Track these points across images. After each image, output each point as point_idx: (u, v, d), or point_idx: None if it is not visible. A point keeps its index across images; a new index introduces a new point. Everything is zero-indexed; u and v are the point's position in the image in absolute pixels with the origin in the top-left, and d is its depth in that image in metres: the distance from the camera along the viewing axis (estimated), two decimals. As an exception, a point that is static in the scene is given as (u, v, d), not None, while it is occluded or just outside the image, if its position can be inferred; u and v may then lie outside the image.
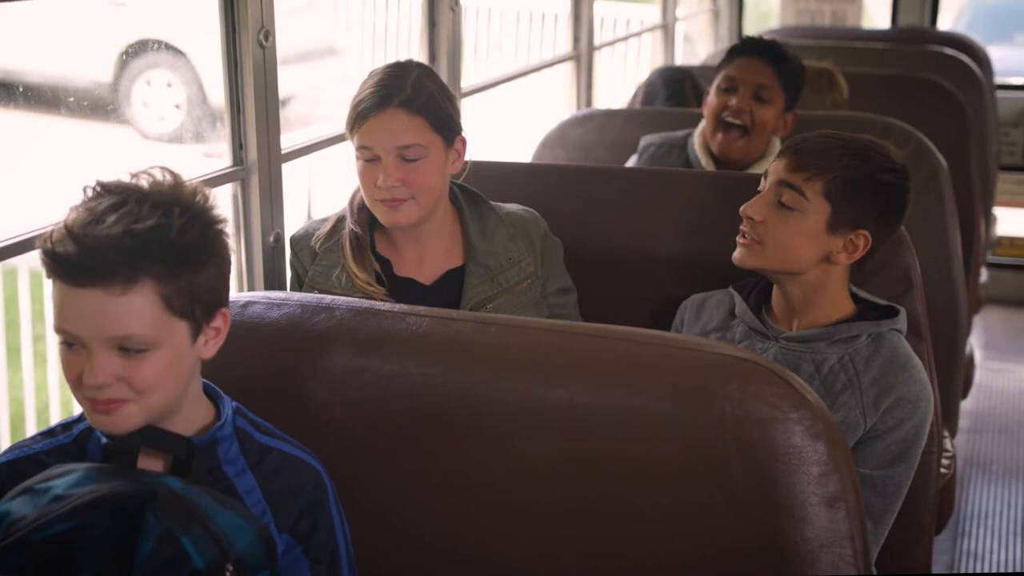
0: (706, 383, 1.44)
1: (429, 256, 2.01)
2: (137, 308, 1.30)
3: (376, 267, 1.98)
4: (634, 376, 1.48)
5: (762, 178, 1.92)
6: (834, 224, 1.84)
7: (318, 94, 7.20)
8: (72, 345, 1.32)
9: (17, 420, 3.59)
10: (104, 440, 1.41)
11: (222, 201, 2.02)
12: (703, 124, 2.65)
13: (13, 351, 3.62)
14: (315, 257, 1.98)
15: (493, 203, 2.07)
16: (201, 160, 2.04)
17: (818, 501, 1.39)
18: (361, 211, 2.00)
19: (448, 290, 1.99)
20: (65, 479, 1.29)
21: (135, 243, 1.28)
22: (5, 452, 1.45)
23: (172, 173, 1.36)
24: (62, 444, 1.44)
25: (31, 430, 3.57)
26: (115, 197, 1.32)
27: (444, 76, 2.67)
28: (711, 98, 2.63)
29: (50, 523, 1.23)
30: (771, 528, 1.39)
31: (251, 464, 1.43)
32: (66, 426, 1.46)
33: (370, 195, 1.94)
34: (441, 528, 1.54)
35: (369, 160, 1.92)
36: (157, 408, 1.36)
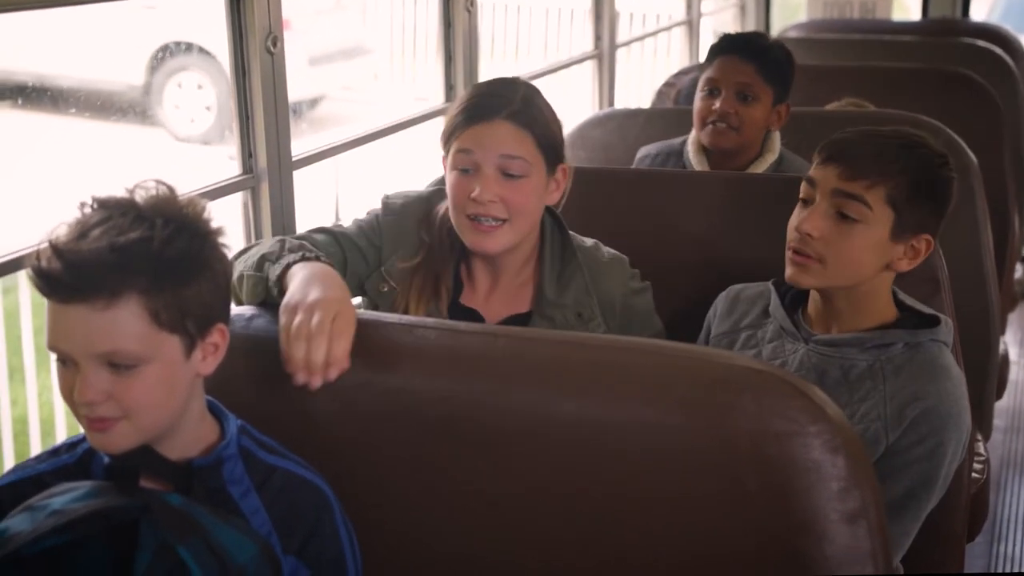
0: (720, 396, 1.39)
1: (501, 293, 1.89)
2: (123, 323, 1.27)
3: (445, 292, 1.87)
4: (645, 389, 1.44)
5: (804, 185, 1.80)
6: (898, 231, 1.74)
7: (349, 94, 7.22)
8: (66, 362, 1.31)
9: (21, 436, 3.60)
10: (107, 460, 1.39)
11: (233, 210, 2.01)
12: (694, 130, 2.61)
13: (15, 366, 3.63)
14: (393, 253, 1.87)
15: (584, 242, 1.94)
16: (227, 162, 2.02)
17: (838, 518, 1.34)
18: (445, 233, 1.87)
19: None
20: (64, 496, 1.27)
21: (117, 257, 1.26)
22: (8, 473, 1.43)
23: (167, 185, 1.34)
24: (66, 464, 1.43)
25: (36, 446, 3.59)
26: (103, 212, 1.29)
27: (460, 77, 2.65)
28: (697, 101, 2.59)
29: (42, 537, 1.21)
30: (789, 546, 1.35)
31: (256, 484, 1.40)
32: (71, 446, 1.45)
33: (461, 210, 1.81)
34: (449, 543, 1.50)
35: (465, 170, 1.80)
36: (151, 427, 1.33)
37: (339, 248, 1.83)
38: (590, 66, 3.64)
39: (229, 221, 2.01)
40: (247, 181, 1.99)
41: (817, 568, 1.34)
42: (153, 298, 1.28)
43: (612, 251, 1.96)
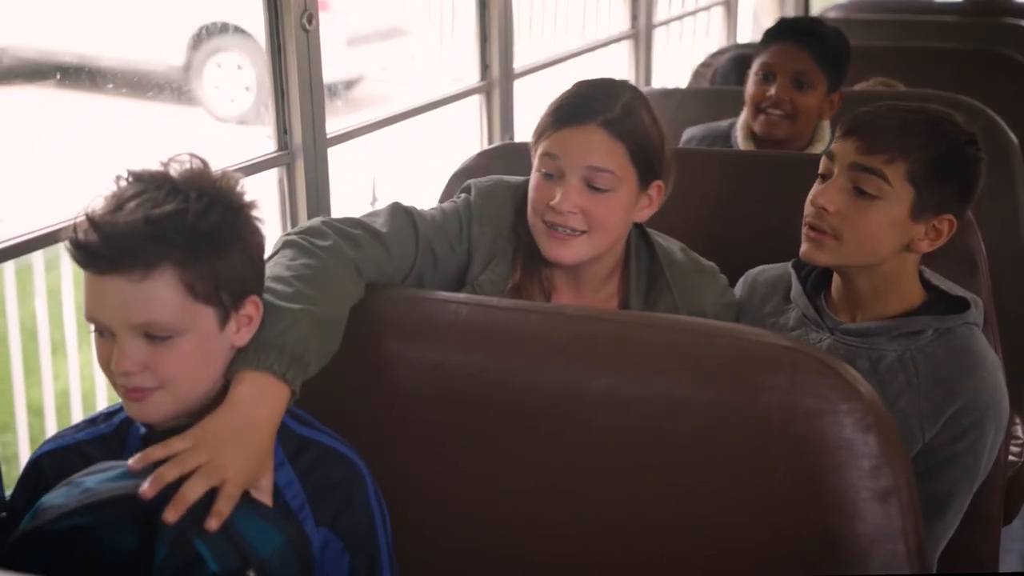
0: (752, 373, 1.39)
1: (584, 302, 1.77)
2: (158, 295, 1.29)
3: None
4: (677, 365, 1.44)
5: (823, 160, 1.73)
6: (918, 209, 1.66)
7: (386, 75, 7.22)
8: (103, 333, 1.33)
9: (63, 409, 3.65)
10: (143, 430, 1.40)
11: (268, 187, 2.02)
12: (744, 114, 2.57)
13: (58, 342, 3.68)
14: (493, 239, 1.74)
15: (674, 254, 1.81)
16: (266, 141, 2.03)
17: (869, 496, 1.33)
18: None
19: None
20: (99, 475, 1.28)
21: (153, 229, 1.28)
22: (48, 441, 1.46)
23: (201, 159, 1.35)
24: (104, 434, 1.45)
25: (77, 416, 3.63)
26: (139, 185, 1.31)
27: (495, 57, 2.64)
28: (749, 86, 2.55)
29: (70, 514, 1.23)
30: (819, 524, 1.34)
31: (290, 456, 1.42)
32: (108, 415, 1.47)
33: (538, 215, 1.69)
34: (479, 516, 1.51)
35: (549, 174, 1.69)
36: (186, 397, 1.35)
37: (387, 254, 1.63)
38: (627, 46, 3.62)
39: (265, 198, 2.02)
40: (282, 157, 2.00)
41: (848, 546, 1.34)
42: (188, 270, 1.30)
43: (705, 263, 1.84)
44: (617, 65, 3.61)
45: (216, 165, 1.38)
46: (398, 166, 5.13)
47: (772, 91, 2.49)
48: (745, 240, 2.09)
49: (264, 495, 1.32)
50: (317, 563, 1.40)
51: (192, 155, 1.35)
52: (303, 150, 2.00)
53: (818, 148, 2.55)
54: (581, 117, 1.68)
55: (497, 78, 2.69)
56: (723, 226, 2.13)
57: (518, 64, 2.81)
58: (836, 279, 1.77)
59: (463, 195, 1.78)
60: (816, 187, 1.73)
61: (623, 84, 1.77)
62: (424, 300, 1.60)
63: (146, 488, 1.21)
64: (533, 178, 1.72)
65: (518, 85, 2.78)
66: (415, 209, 1.72)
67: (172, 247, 1.29)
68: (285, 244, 1.54)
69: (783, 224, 1.84)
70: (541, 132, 1.72)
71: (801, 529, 1.36)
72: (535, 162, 1.72)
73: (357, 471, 1.45)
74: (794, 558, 1.36)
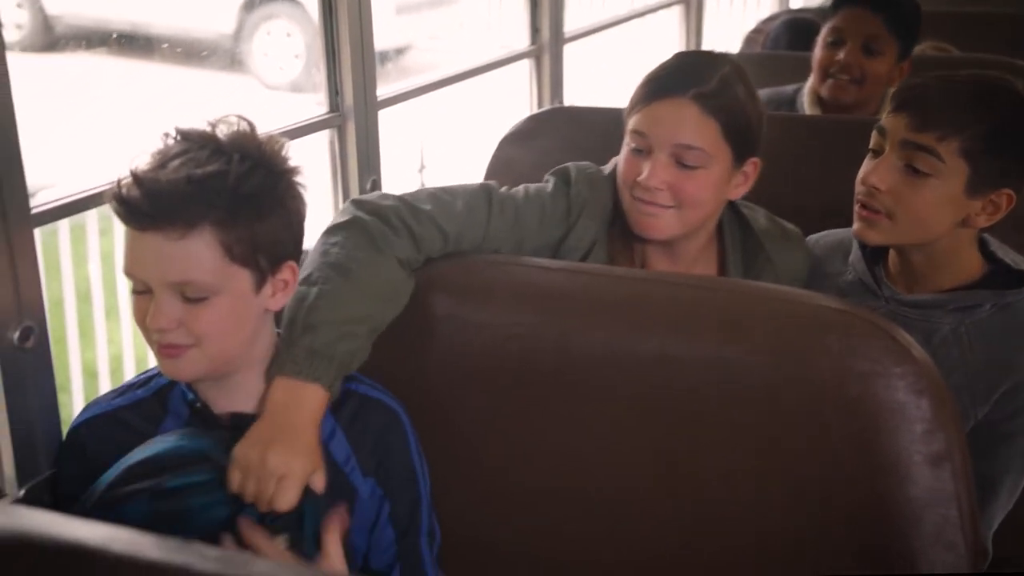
0: (804, 336, 1.38)
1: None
2: (196, 254, 1.30)
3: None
4: (730, 327, 1.43)
5: (874, 134, 1.68)
6: (973, 185, 1.59)
7: (435, 43, 7.22)
8: (140, 289, 1.34)
9: (116, 373, 3.70)
10: (190, 396, 1.42)
11: (320, 148, 2.03)
12: (812, 80, 2.54)
13: (111, 306, 3.72)
14: (597, 231, 1.69)
15: (759, 220, 1.77)
16: (315, 108, 2.04)
17: (922, 460, 1.32)
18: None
19: None
20: (164, 443, 1.33)
21: (194, 188, 1.28)
22: (85, 409, 1.46)
23: (248, 121, 1.36)
24: (141, 398, 1.46)
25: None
26: (184, 144, 1.32)
27: (546, 21, 2.63)
28: (818, 51, 2.51)
29: (142, 477, 1.27)
30: (870, 487, 1.34)
31: (332, 408, 1.43)
32: (145, 381, 1.48)
33: (627, 188, 1.66)
34: (524, 478, 1.52)
35: (638, 150, 1.64)
36: (219, 356, 1.36)
37: (442, 238, 1.57)
38: (677, 11, 3.59)
39: (316, 159, 2.03)
40: (334, 119, 2.01)
41: (900, 509, 1.33)
42: (227, 231, 1.30)
43: (789, 228, 1.80)
44: (668, 31, 3.58)
45: (267, 128, 1.38)
46: (448, 132, 5.14)
47: (841, 55, 2.46)
48: (811, 205, 2.06)
49: (318, 485, 1.35)
50: (365, 512, 1.42)
51: (240, 117, 1.35)
52: (354, 112, 2.01)
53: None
54: (673, 90, 1.62)
55: (547, 42, 2.68)
56: (789, 190, 2.10)
57: (568, 28, 2.79)
58: (893, 253, 1.74)
59: (561, 184, 1.71)
60: (867, 163, 1.69)
61: (722, 57, 1.72)
62: (472, 260, 1.60)
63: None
64: (623, 151, 1.68)
65: (568, 49, 2.77)
66: (504, 195, 1.65)
67: (212, 207, 1.29)
68: (351, 225, 1.51)
69: (848, 190, 1.81)
70: (633, 105, 1.67)
71: (852, 491, 1.35)
72: (625, 137, 1.67)
73: (398, 419, 1.47)
74: (843, 520, 1.36)
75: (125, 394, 1.46)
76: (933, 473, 1.33)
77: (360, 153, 2.02)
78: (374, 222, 1.51)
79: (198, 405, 1.41)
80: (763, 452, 1.39)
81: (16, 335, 1.42)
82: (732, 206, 1.76)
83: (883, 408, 1.33)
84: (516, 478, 1.53)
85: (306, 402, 1.38)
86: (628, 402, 1.46)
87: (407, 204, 1.55)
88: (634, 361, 1.46)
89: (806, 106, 2.54)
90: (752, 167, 1.70)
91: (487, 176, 2.19)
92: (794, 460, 1.38)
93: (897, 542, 1.33)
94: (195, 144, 1.32)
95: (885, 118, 1.67)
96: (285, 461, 1.31)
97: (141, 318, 1.34)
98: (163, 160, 1.31)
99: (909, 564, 1.33)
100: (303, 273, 1.46)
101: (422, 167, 4.73)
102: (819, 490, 1.37)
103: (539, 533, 1.52)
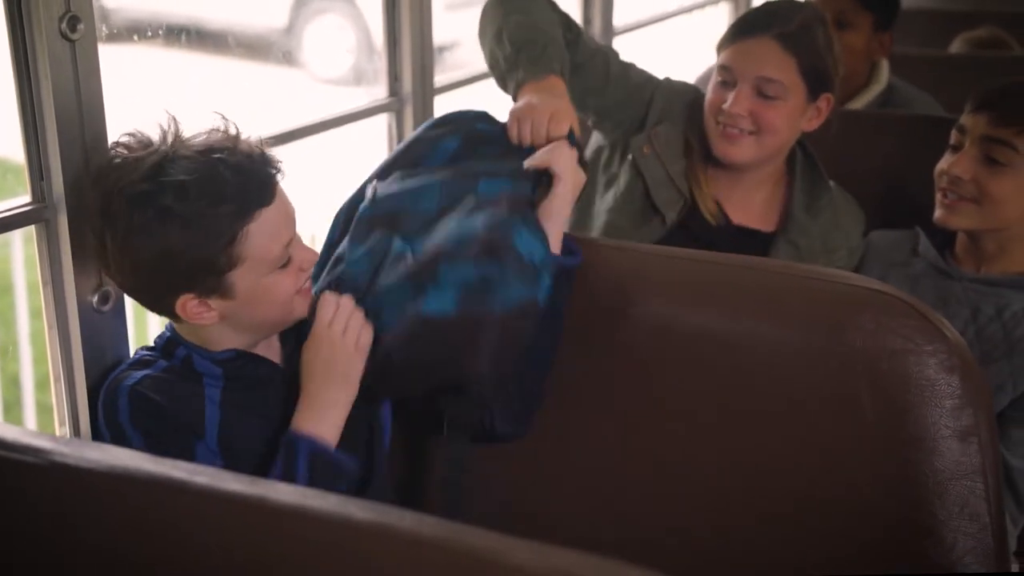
0: (838, 314, 1.44)
1: (742, 204, 1.94)
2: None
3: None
4: (766, 305, 1.49)
5: (954, 132, 1.87)
6: None
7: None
8: (726, 83, 1.79)
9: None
10: (221, 355, 1.41)
11: (378, 132, 2.11)
12: None
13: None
14: (665, 108, 1.96)
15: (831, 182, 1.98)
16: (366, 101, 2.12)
17: (950, 434, 1.38)
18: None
19: (745, 250, 1.73)
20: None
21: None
22: (111, 381, 1.40)
23: None
24: (170, 366, 1.41)
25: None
26: None
27: (598, 12, 2.69)
28: None
29: None
30: (899, 458, 1.40)
31: None
32: (165, 349, 1.43)
33: (712, 117, 1.87)
34: (571, 448, 1.58)
35: (724, 83, 1.86)
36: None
37: (605, 79, 1.91)
38: (725, 8, 3.63)
39: (375, 142, 2.11)
40: (393, 104, 2.09)
41: (925, 480, 1.38)
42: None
43: (853, 200, 1.99)
44: (717, 24, 3.62)
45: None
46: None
47: None
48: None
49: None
50: None
51: None
52: (412, 98, 2.08)
53: (875, 90, 2.56)
54: (758, 28, 1.84)
55: (598, 34, 2.75)
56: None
57: (618, 22, 2.86)
58: (961, 238, 1.90)
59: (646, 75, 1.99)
60: (947, 157, 1.87)
61: (807, 4, 1.92)
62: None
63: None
64: (710, 85, 1.88)
65: (617, 43, 2.83)
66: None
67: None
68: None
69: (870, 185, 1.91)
70: (721, 45, 1.88)
71: (880, 463, 1.41)
72: (713, 75, 1.88)
73: None
74: (872, 490, 1.42)
75: (156, 363, 1.41)
76: (960, 447, 1.38)
77: (417, 136, 2.09)
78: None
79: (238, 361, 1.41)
80: (796, 422, 1.45)
81: (95, 298, 1.47)
82: (809, 158, 1.93)
83: (913, 383, 1.39)
84: (561, 446, 1.58)
85: (554, 85, 1.63)
86: (669, 375, 1.52)
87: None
88: (676, 336, 1.52)
89: None
90: (825, 103, 1.89)
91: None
92: (827, 431, 1.44)
93: (924, 512, 1.38)
94: None
95: (964, 117, 1.86)
96: (553, 103, 1.56)
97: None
98: None
99: (935, 533, 1.39)
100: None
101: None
102: (848, 461, 1.43)
103: (590, 511, 1.57)
